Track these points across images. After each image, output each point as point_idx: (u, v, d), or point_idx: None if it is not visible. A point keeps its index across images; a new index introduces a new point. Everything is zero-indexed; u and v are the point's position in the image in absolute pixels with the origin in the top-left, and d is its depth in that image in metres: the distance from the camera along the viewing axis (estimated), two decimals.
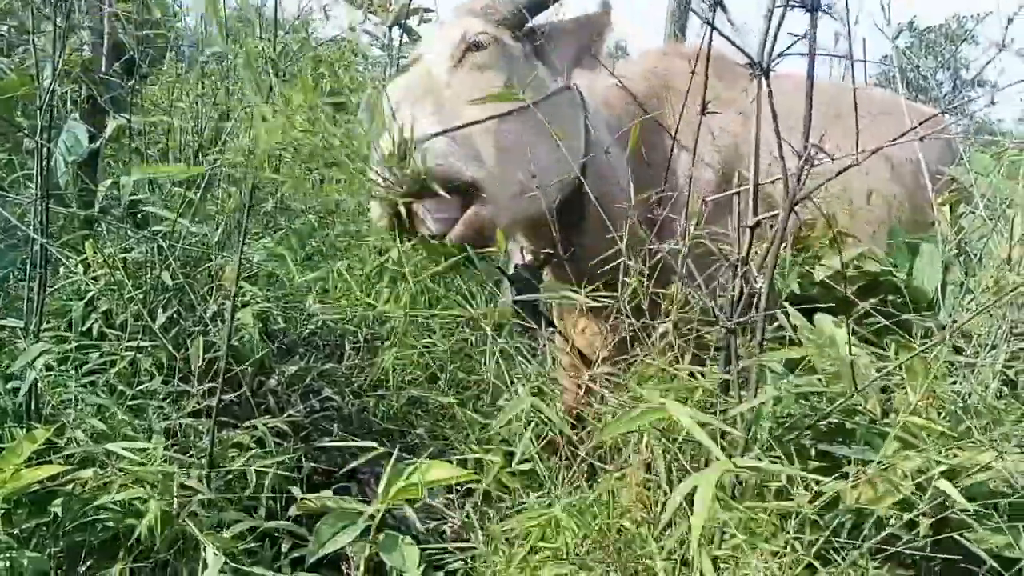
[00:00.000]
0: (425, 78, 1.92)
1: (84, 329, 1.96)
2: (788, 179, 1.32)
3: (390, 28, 4.77)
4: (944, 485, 1.17)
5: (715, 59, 3.05)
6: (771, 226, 1.48)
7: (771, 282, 1.33)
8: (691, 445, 1.45)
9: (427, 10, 4.66)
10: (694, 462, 1.43)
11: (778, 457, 1.29)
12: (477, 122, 1.77)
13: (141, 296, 2.02)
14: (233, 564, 1.54)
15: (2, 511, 1.53)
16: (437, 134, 1.71)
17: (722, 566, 1.24)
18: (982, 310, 1.82)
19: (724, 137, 2.38)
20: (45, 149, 1.68)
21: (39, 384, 1.65)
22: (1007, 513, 1.37)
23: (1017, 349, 2.04)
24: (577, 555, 1.46)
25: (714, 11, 1.43)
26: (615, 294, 1.67)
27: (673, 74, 2.50)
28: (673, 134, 2.01)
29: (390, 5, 4.55)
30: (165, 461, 1.62)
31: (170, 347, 1.90)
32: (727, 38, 1.36)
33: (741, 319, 1.45)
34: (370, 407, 2.49)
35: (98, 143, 2.20)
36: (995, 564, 1.30)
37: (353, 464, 1.83)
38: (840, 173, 1.30)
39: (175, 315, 2.14)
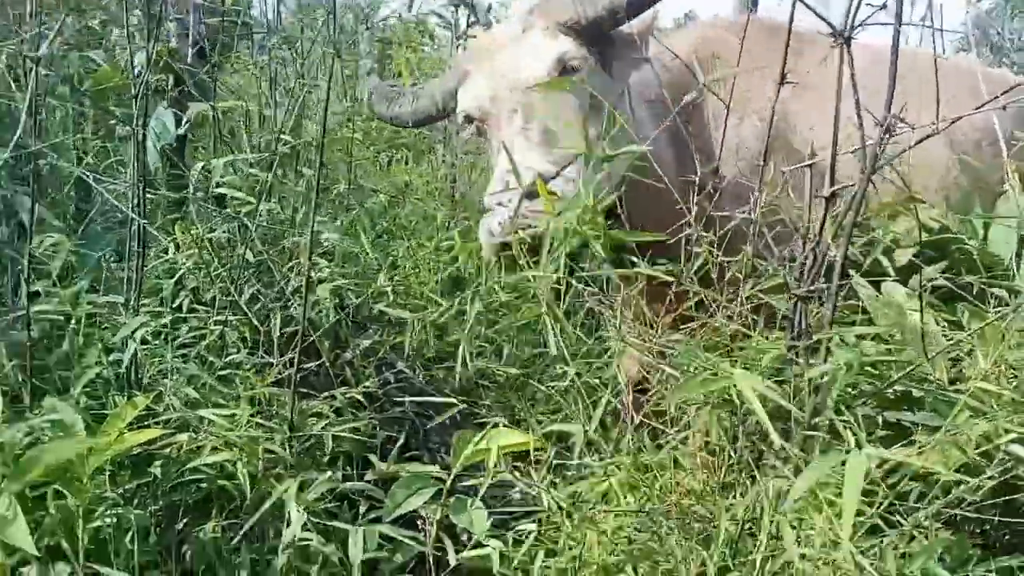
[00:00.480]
0: (518, 95, 2.01)
1: (175, 305, 2.09)
2: (866, 149, 1.33)
3: (456, 7, 4.80)
4: (1015, 448, 1.17)
5: (768, 29, 3.03)
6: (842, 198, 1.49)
7: (846, 251, 1.34)
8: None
9: None
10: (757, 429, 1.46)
11: (846, 422, 1.30)
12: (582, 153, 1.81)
13: (226, 273, 2.13)
14: (315, 521, 1.64)
15: (108, 472, 1.65)
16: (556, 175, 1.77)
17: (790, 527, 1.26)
18: None
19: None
20: (140, 135, 1.79)
21: (138, 355, 1.77)
22: None
23: None
24: (642, 512, 1.51)
25: None
26: (677, 266, 1.70)
27: (720, 44, 2.51)
28: (727, 104, 2.01)
29: None
30: (250, 427, 1.72)
31: (254, 320, 2.01)
32: (809, 7, 1.37)
33: (812, 288, 1.47)
34: (439, 379, 2.58)
35: (183, 129, 2.32)
36: None
37: (430, 425, 1.91)
38: (920, 142, 1.31)
39: (257, 291, 2.25)
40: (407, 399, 2.50)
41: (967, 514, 1.26)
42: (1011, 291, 2.08)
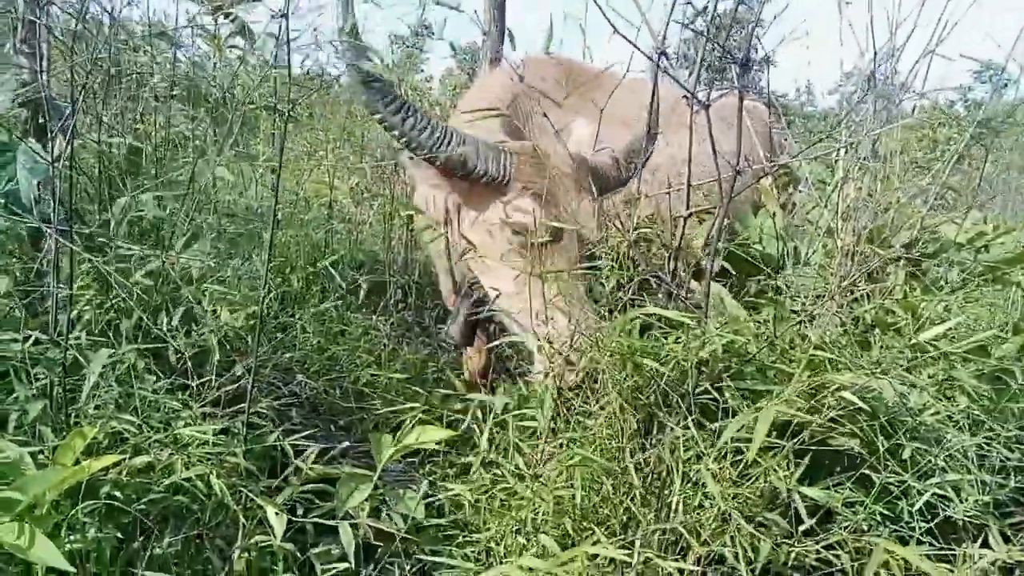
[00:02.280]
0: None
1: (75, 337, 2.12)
2: (722, 185, 1.80)
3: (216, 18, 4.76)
4: (846, 394, 1.70)
5: (567, 67, 3.58)
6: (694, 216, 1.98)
7: (713, 258, 1.82)
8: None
9: None
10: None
11: (727, 389, 1.77)
12: None
13: (125, 304, 2.21)
14: (292, 519, 1.83)
15: (68, 499, 1.72)
16: None
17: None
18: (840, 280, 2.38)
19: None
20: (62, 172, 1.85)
21: (64, 387, 1.83)
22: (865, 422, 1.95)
23: (851, 300, 2.69)
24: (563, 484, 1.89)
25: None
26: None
27: (533, 83, 3.02)
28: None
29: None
30: (212, 444, 1.86)
31: (174, 344, 2.12)
32: (675, 78, 1.81)
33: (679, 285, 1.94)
34: (327, 392, 2.78)
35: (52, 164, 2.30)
36: (863, 453, 1.88)
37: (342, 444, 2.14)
38: (757, 181, 1.80)
39: (148, 321, 2.33)
40: (294, 413, 2.68)
41: (810, 448, 1.78)
42: (786, 284, 2.74)
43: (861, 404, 1.69)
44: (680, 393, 1.80)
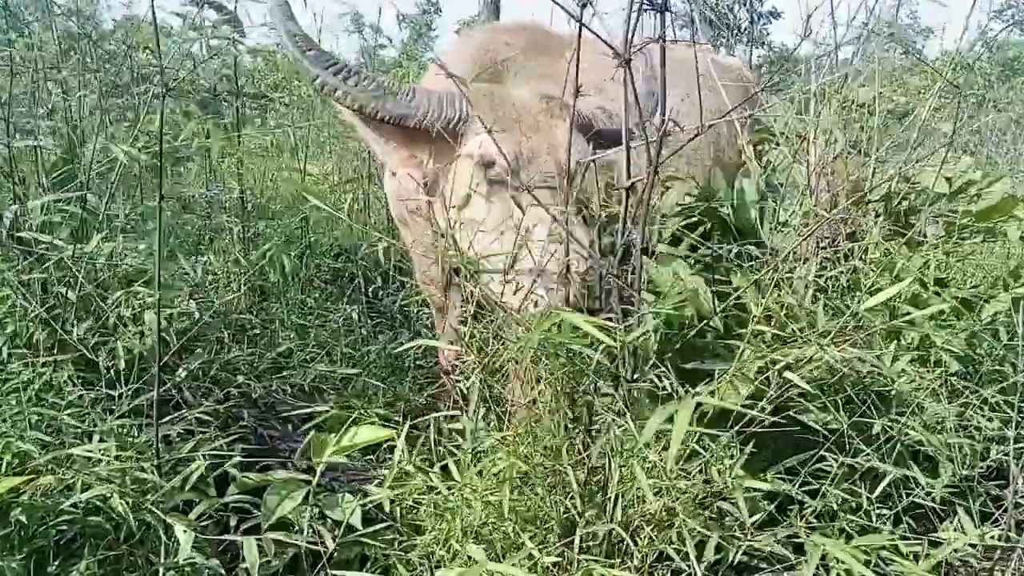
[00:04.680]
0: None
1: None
2: (649, 147, 1.63)
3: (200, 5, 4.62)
4: (789, 374, 1.54)
5: (537, 33, 3.40)
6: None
7: (644, 233, 1.65)
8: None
9: None
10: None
11: (662, 372, 1.62)
12: None
13: (46, 313, 2.09)
14: (202, 537, 1.71)
15: None
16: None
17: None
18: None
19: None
20: None
21: None
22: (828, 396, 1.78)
23: (823, 259, 2.51)
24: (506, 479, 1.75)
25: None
26: None
27: (499, 50, 2.84)
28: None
29: None
30: (117, 459, 1.75)
31: (90, 355, 2.00)
32: (596, 33, 1.64)
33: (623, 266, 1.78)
34: (277, 389, 2.66)
35: None
36: (826, 433, 1.72)
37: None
38: (691, 140, 1.63)
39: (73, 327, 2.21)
40: (245, 413, 2.56)
41: (759, 431, 1.62)
42: (759, 246, 2.56)
43: (804, 386, 1.53)
44: (612, 380, 1.65)
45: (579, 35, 1.85)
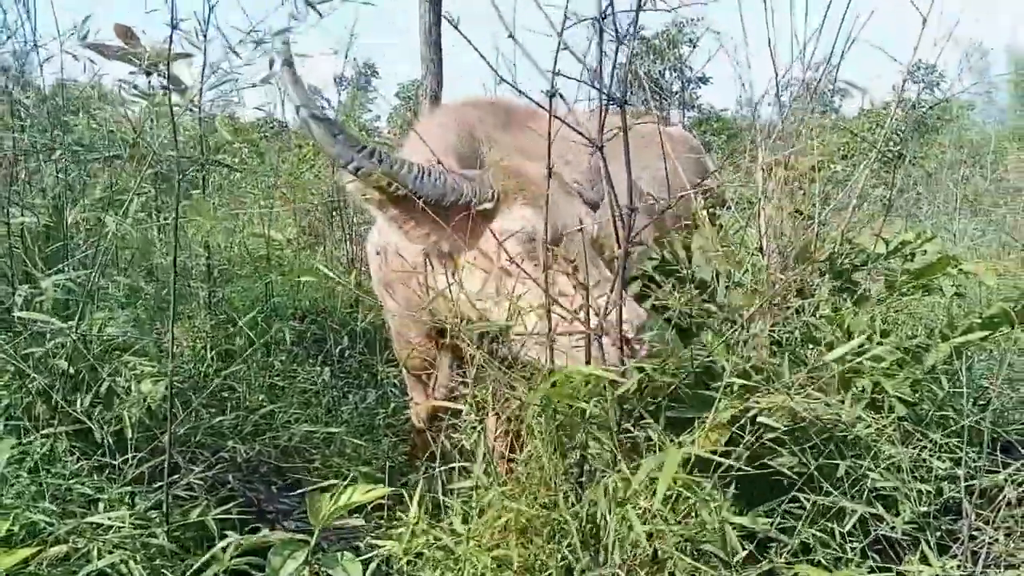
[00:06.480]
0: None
1: None
2: (625, 219, 1.81)
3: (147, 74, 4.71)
4: (763, 419, 1.70)
5: (501, 107, 3.60)
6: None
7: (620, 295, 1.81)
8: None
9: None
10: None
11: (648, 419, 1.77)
12: None
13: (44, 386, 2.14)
14: None
15: None
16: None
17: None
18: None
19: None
20: None
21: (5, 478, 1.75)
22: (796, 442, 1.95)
23: (775, 316, 2.72)
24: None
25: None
26: None
27: (475, 124, 3.01)
28: None
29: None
30: (132, 526, 1.80)
31: (91, 425, 2.05)
32: (565, 122, 1.82)
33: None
34: (262, 453, 2.72)
35: None
36: (793, 476, 1.88)
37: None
38: (662, 213, 1.81)
39: (68, 399, 2.26)
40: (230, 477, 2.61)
41: (739, 473, 1.78)
42: (719, 306, 2.76)
43: (778, 426, 1.69)
44: (604, 431, 1.79)
45: (550, 121, 2.02)
